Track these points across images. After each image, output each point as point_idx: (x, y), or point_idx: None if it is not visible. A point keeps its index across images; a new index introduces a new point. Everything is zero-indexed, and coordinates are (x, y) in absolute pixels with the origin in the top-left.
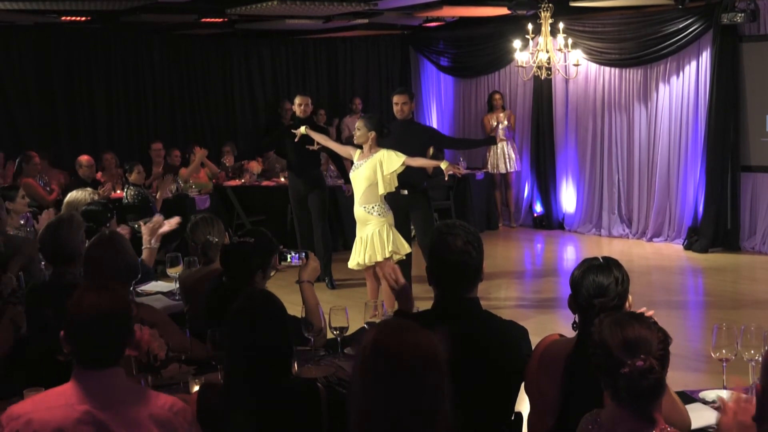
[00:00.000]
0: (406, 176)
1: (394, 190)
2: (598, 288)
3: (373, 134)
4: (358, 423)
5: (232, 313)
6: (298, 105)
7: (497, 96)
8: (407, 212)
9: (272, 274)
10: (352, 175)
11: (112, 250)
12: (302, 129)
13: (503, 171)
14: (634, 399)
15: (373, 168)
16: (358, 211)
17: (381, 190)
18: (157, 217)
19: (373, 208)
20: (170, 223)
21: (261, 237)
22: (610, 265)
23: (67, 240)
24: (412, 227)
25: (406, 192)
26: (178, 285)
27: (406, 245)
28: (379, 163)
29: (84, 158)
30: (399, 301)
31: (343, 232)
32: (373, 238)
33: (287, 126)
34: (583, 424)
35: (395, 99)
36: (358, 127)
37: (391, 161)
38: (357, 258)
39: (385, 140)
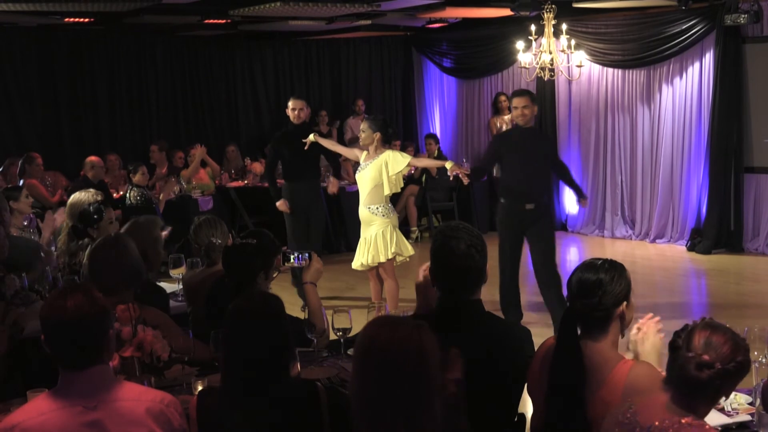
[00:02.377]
0: (529, 186)
1: (399, 191)
2: (581, 288)
3: (378, 135)
4: (355, 414)
5: (230, 314)
6: (291, 109)
7: (502, 98)
8: (522, 232)
9: (275, 275)
10: (358, 176)
11: (116, 253)
12: (311, 137)
13: None
14: (679, 381)
15: (379, 169)
16: (363, 211)
17: (386, 191)
18: None
19: (377, 209)
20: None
21: (263, 238)
22: (600, 266)
23: (140, 242)
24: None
25: (532, 207)
26: (181, 286)
27: (410, 247)
28: (384, 163)
29: (94, 159)
30: (423, 300)
31: (346, 233)
32: (377, 239)
33: (282, 134)
34: (612, 414)
35: (515, 102)
36: (363, 129)
37: (397, 162)
38: (361, 259)
39: (510, 150)
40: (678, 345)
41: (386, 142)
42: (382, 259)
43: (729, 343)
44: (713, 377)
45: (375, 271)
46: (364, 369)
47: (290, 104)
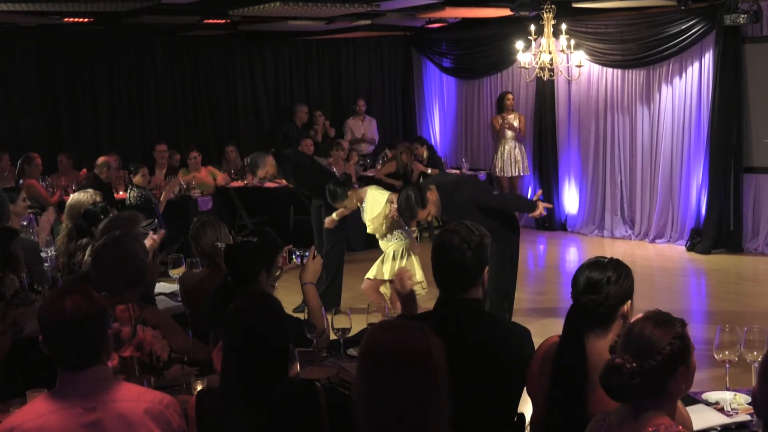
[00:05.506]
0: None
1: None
2: (588, 284)
3: (350, 193)
4: (360, 419)
5: (228, 315)
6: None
7: (510, 96)
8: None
9: (278, 273)
10: (363, 218)
11: (119, 253)
12: (334, 215)
13: (510, 175)
14: (605, 390)
15: (372, 213)
16: (381, 244)
17: (383, 230)
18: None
19: (391, 236)
20: (154, 239)
21: (265, 236)
22: (608, 264)
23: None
24: None
25: None
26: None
27: (420, 273)
28: (372, 206)
29: (109, 159)
30: (403, 305)
31: (347, 235)
32: (386, 256)
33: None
34: (595, 419)
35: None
36: (341, 206)
37: (377, 201)
38: (368, 274)
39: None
40: (613, 348)
41: (354, 188)
42: (387, 276)
43: (648, 336)
44: (628, 378)
45: (376, 286)
46: (372, 375)
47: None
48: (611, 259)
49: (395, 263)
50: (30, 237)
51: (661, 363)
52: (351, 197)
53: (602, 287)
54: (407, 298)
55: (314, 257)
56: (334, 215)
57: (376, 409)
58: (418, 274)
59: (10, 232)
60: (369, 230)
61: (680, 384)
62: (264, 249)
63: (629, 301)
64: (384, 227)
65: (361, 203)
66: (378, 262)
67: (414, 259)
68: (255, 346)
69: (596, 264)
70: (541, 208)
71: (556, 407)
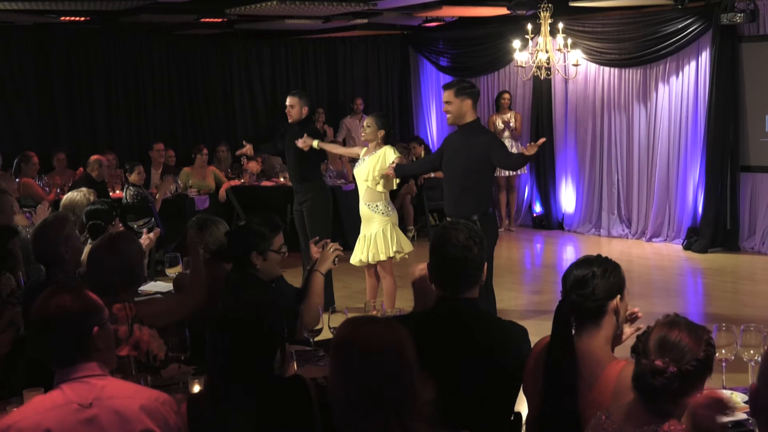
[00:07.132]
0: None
1: (394, 188)
2: (575, 280)
3: (382, 133)
4: (336, 415)
5: (217, 316)
6: (290, 106)
7: (506, 96)
8: None
9: (284, 254)
10: (356, 171)
11: (113, 253)
12: (315, 143)
13: (507, 174)
14: (640, 391)
15: (375, 164)
16: (363, 208)
17: (380, 188)
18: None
19: (377, 206)
20: (150, 237)
21: (256, 219)
22: (594, 260)
23: (49, 241)
24: None
25: (476, 218)
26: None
27: (409, 243)
28: (379, 158)
29: (101, 158)
30: (417, 300)
31: (343, 232)
32: (377, 237)
33: (280, 133)
34: (595, 418)
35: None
36: (368, 124)
37: (389, 159)
38: (360, 255)
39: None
40: (638, 350)
41: (387, 142)
42: (383, 258)
43: (685, 342)
44: (669, 381)
45: (373, 269)
46: (339, 368)
47: (287, 101)
48: (599, 256)
49: (388, 240)
50: (26, 235)
51: (697, 368)
52: (376, 131)
53: (588, 282)
54: (423, 293)
55: (327, 248)
56: (315, 143)
57: (350, 404)
58: (408, 245)
59: (9, 230)
60: (356, 172)
61: (700, 388)
62: (253, 231)
63: (618, 296)
64: (378, 183)
65: (370, 145)
66: (371, 244)
67: (401, 234)
68: (242, 347)
69: (583, 261)
70: (534, 147)
71: (548, 405)
